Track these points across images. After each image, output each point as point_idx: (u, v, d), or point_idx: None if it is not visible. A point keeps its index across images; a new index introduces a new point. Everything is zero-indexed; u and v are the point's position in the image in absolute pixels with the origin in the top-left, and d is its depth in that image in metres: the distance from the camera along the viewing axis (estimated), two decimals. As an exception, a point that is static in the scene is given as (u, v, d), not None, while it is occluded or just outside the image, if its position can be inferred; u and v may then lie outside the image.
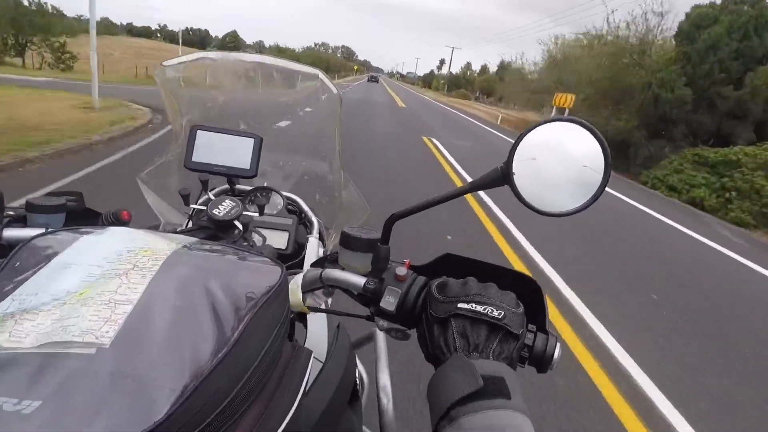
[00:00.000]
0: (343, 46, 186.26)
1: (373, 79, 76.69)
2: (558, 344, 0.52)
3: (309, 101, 1.11)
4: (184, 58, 1.02)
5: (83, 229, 0.49)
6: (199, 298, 0.40)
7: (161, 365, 0.33)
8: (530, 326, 0.52)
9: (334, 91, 1.03)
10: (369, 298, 0.58)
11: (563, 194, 0.53)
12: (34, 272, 0.41)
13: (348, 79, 64.95)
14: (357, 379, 0.85)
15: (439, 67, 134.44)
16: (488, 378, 0.43)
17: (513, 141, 0.52)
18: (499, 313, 0.48)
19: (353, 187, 1.07)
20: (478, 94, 66.53)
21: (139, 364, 0.33)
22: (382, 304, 0.56)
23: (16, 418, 0.28)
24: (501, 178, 0.52)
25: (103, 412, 0.29)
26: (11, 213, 0.68)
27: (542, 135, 0.52)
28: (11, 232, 0.65)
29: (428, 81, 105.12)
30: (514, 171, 0.51)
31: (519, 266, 4.01)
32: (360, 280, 0.59)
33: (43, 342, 0.33)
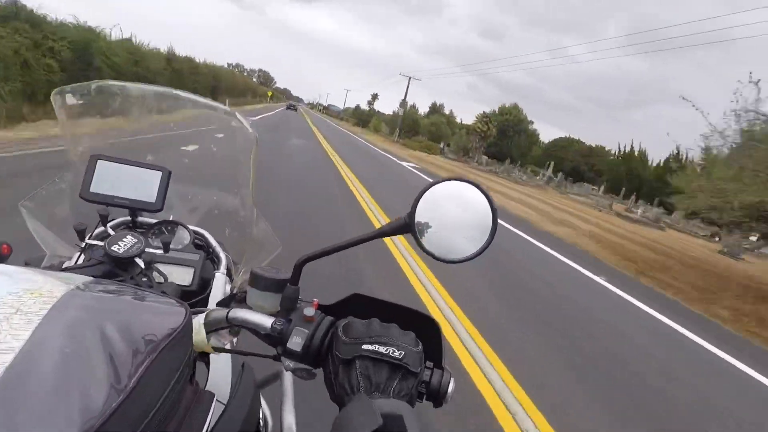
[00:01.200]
0: (260, 70, 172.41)
1: (292, 107, 70.39)
2: (452, 379, 0.56)
3: (223, 138, 1.10)
4: (84, 84, 0.97)
5: None
6: (92, 342, 0.38)
7: (46, 418, 0.32)
8: (428, 363, 0.56)
9: (250, 130, 1.04)
10: (276, 338, 0.59)
11: (458, 243, 0.59)
12: None
13: (257, 107, 39.11)
14: (261, 421, 0.83)
15: (371, 102, 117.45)
16: (387, 416, 0.45)
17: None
18: (400, 354, 0.52)
19: (265, 223, 1.07)
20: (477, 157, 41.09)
21: (21, 418, 0.31)
22: (289, 344, 0.57)
23: None
24: (405, 226, 0.57)
25: None
26: None
27: (440, 191, 0.58)
28: None
29: (361, 118, 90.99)
30: (417, 221, 0.56)
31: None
32: (268, 321, 0.59)
33: None
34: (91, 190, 0.86)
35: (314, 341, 0.57)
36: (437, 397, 0.55)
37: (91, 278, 0.50)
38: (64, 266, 0.78)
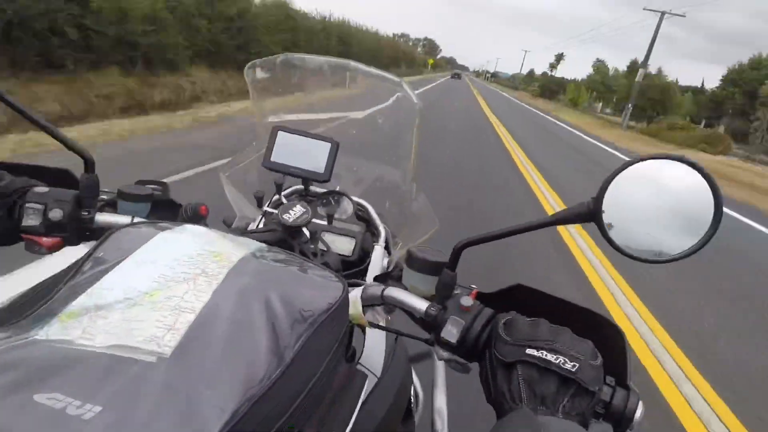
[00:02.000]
0: (425, 39, 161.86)
1: (456, 76, 66.84)
2: (640, 402, 0.46)
3: (388, 108, 1.10)
4: (271, 58, 1.05)
5: (162, 224, 0.51)
6: (258, 312, 0.40)
7: (215, 383, 0.33)
8: (608, 379, 0.47)
9: (415, 100, 1.01)
10: (430, 324, 0.56)
11: (661, 237, 0.47)
12: (113, 266, 0.43)
13: (411, 79, 28.15)
14: (412, 396, 0.83)
15: (554, 65, 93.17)
16: None
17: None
18: (573, 366, 0.44)
19: (424, 199, 1.05)
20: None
21: (194, 380, 0.33)
22: (443, 333, 0.53)
23: (77, 422, 0.29)
24: (588, 213, 0.47)
25: (155, 427, 0.30)
26: (104, 198, 0.74)
27: (639, 172, 0.46)
28: (103, 217, 0.70)
29: (548, 87, 61.78)
30: (604, 208, 0.46)
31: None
32: (422, 305, 0.56)
33: (111, 343, 0.35)
34: (272, 159, 0.93)
35: (470, 334, 0.52)
36: (620, 421, 0.45)
37: (264, 245, 0.53)
38: (248, 228, 0.87)
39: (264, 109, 1.10)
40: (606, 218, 0.47)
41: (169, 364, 0.34)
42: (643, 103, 29.14)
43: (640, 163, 0.47)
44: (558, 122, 22.72)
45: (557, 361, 0.44)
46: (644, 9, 27.78)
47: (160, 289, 0.40)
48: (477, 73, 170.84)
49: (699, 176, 0.46)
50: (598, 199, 0.47)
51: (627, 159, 0.48)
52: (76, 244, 0.70)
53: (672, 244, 0.47)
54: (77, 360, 0.33)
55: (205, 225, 0.59)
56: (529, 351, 0.45)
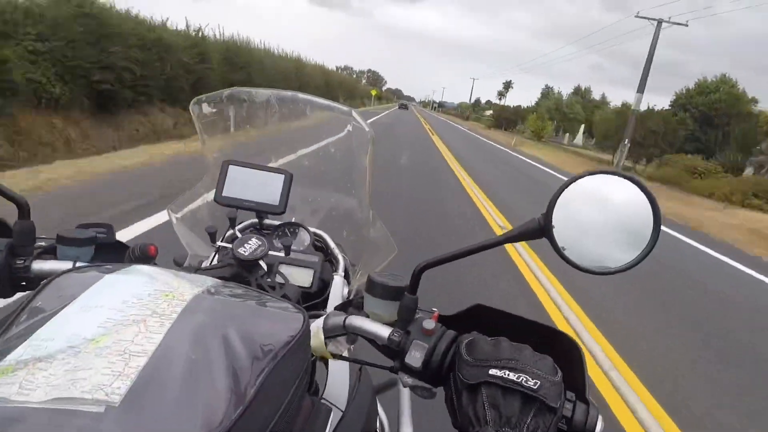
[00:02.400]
0: (369, 71, 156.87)
1: (403, 107, 66.63)
2: (599, 416, 0.47)
3: (340, 138, 1.11)
4: (218, 93, 1.04)
5: (108, 267, 0.49)
6: (215, 350, 0.38)
7: (171, 428, 0.31)
8: (569, 394, 0.48)
9: (366, 129, 1.03)
10: (394, 350, 0.55)
11: (607, 250, 0.50)
12: (55, 314, 0.40)
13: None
14: (378, 429, 0.81)
15: (502, 94, 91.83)
16: None
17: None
18: (535, 383, 0.44)
19: (381, 225, 1.06)
20: None
21: (147, 427, 0.31)
22: (407, 359, 0.53)
23: None
24: (539, 229, 0.49)
25: None
26: (42, 244, 0.69)
27: (584, 188, 0.49)
28: (41, 265, 0.65)
29: (503, 116, 53.74)
30: (553, 224, 0.48)
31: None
32: (385, 331, 0.56)
33: (52, 397, 0.32)
34: (223, 194, 0.92)
35: (434, 358, 0.52)
36: None
37: (219, 281, 0.51)
38: (201, 266, 0.84)
39: (212, 145, 1.09)
40: (556, 233, 0.49)
41: (118, 413, 0.31)
42: (640, 136, 21.28)
43: (583, 179, 0.49)
44: (528, 160, 18.25)
45: (519, 380, 0.44)
46: (637, 16, 21.66)
47: (107, 334, 0.37)
48: (424, 104, 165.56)
49: (639, 191, 0.49)
50: (548, 215, 0.49)
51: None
52: (11, 296, 0.65)
53: (616, 256, 0.50)
54: (13, 419, 0.30)
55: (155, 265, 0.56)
56: (492, 372, 0.46)
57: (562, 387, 0.46)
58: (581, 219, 0.49)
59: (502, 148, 23.75)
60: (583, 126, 42.39)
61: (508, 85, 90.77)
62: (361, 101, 44.53)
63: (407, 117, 39.67)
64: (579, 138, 42.63)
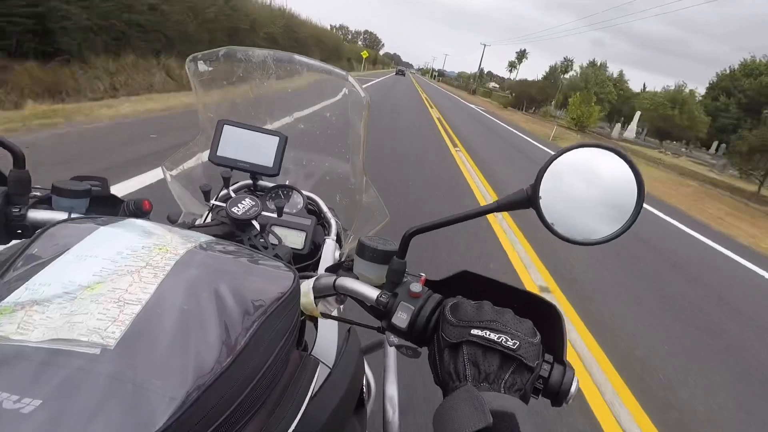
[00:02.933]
0: (366, 32, 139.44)
1: (400, 73, 64.32)
2: (575, 377, 0.50)
3: (336, 102, 1.10)
4: (214, 51, 1.02)
5: (103, 219, 0.49)
6: (207, 302, 0.40)
7: (163, 372, 0.33)
8: (546, 356, 0.50)
9: (362, 94, 1.02)
10: (381, 311, 0.57)
11: (592, 221, 0.51)
12: (50, 261, 0.41)
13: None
14: (364, 386, 0.84)
15: (514, 66, 79.37)
16: (498, 413, 0.41)
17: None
18: (514, 343, 0.46)
19: (374, 192, 1.06)
20: None
21: (141, 370, 0.32)
22: (394, 320, 0.55)
23: (14, 416, 0.27)
24: (526, 200, 0.50)
25: (100, 417, 0.29)
26: (37, 194, 0.70)
27: (572, 160, 0.50)
28: (36, 214, 0.66)
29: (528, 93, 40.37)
30: (540, 195, 0.49)
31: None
32: (373, 293, 0.58)
33: (49, 337, 0.33)
34: (218, 153, 0.91)
35: (420, 319, 0.54)
36: (556, 395, 0.49)
37: (212, 238, 0.52)
38: (195, 224, 0.84)
39: (207, 103, 1.07)
40: (543, 204, 0.50)
41: (113, 355, 0.33)
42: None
43: (572, 152, 0.50)
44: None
45: (499, 340, 0.46)
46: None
47: (102, 282, 0.39)
48: (423, 71, 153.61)
49: (625, 165, 0.50)
50: (536, 186, 0.50)
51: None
52: (6, 242, 0.66)
53: (599, 228, 0.51)
54: (12, 355, 0.31)
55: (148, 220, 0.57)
56: (473, 331, 0.48)
57: (541, 348, 0.48)
58: (568, 191, 0.50)
59: (531, 142, 15.92)
60: (639, 114, 30.84)
61: (522, 56, 76.33)
62: (348, 63, 35.39)
63: (403, 86, 32.88)
64: (633, 129, 31.04)
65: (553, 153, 0.51)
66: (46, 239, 0.44)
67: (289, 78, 1.08)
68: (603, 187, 0.51)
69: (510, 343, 0.46)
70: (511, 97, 45.38)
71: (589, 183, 0.51)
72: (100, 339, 0.33)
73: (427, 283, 0.60)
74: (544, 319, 0.52)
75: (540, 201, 0.50)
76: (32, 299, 0.36)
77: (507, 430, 0.40)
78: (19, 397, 0.28)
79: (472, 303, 0.52)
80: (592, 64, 47.10)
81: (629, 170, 0.50)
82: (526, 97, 41.04)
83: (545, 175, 0.50)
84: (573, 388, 0.49)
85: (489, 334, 0.47)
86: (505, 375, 0.46)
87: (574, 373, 0.50)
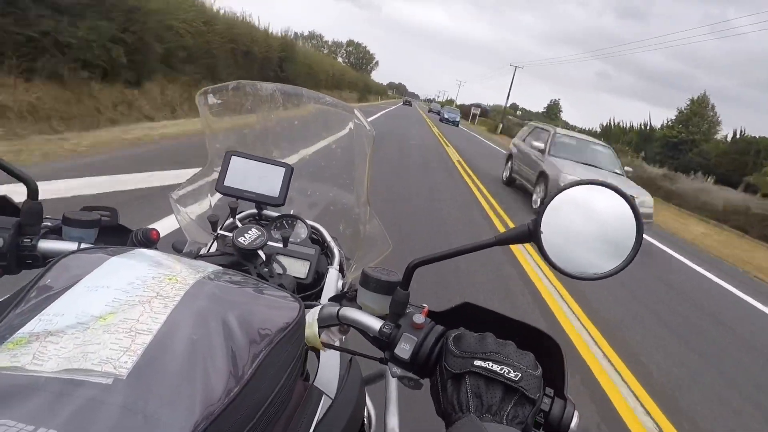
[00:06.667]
0: (349, 42, 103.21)
1: (407, 103, 64.31)
2: (576, 412, 0.50)
3: (342, 135, 1.13)
4: (224, 85, 1.06)
5: (113, 249, 0.51)
6: (216, 333, 0.40)
7: (173, 402, 0.34)
8: (548, 390, 0.50)
9: (368, 128, 1.05)
10: (384, 342, 0.58)
11: (592, 257, 0.52)
12: (63, 292, 0.42)
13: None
14: (365, 418, 0.83)
15: (554, 114, 66.62)
16: None
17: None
18: (516, 375, 0.47)
19: (378, 222, 1.08)
20: None
21: (151, 400, 0.33)
22: (396, 351, 0.55)
23: None
24: (528, 234, 0.52)
25: None
26: (48, 224, 0.71)
27: (573, 196, 0.52)
28: (46, 244, 0.67)
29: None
30: (542, 229, 0.51)
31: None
32: (376, 323, 0.58)
33: (63, 367, 0.34)
34: (225, 183, 0.94)
35: (423, 350, 0.55)
36: (557, 430, 0.49)
37: (220, 268, 0.54)
38: (201, 253, 0.86)
39: (215, 135, 1.10)
40: (544, 239, 0.51)
41: (126, 385, 0.34)
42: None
43: (573, 189, 0.52)
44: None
45: (502, 371, 0.47)
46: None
47: (114, 312, 0.40)
48: (441, 103, 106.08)
49: (624, 203, 0.52)
50: (537, 220, 0.51)
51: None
52: (17, 272, 0.67)
53: (599, 263, 0.52)
54: (28, 386, 0.32)
55: (156, 250, 0.59)
56: (476, 362, 0.48)
57: (542, 382, 0.49)
58: (568, 226, 0.52)
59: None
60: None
61: (556, 104, 64.18)
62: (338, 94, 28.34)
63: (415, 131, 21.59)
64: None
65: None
66: (58, 270, 0.45)
67: (296, 109, 1.12)
68: (602, 223, 0.52)
69: (512, 375, 0.47)
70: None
71: (589, 219, 0.52)
72: (113, 369, 0.34)
73: (430, 315, 0.60)
74: (546, 352, 0.53)
75: (541, 235, 0.51)
76: (46, 330, 0.37)
77: None
78: (35, 427, 0.29)
79: (475, 335, 0.53)
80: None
81: (628, 208, 0.51)
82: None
83: (547, 210, 0.51)
84: (573, 424, 0.49)
85: (492, 366, 0.48)
86: (507, 407, 0.46)
87: (574, 408, 0.50)
